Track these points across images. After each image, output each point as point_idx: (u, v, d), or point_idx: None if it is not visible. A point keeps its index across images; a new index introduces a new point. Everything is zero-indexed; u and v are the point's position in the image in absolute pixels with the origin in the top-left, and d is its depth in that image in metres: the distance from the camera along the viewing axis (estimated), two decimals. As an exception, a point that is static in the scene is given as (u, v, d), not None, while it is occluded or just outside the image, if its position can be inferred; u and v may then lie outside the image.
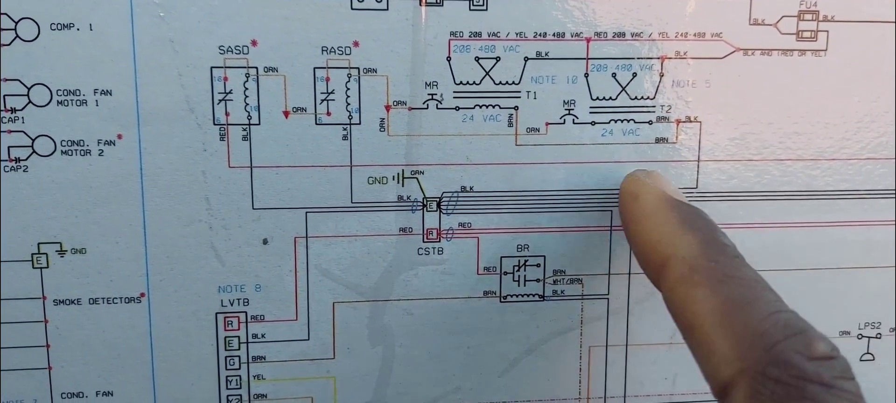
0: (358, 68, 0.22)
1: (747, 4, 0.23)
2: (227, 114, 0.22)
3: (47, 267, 0.22)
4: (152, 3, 0.21)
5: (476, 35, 0.22)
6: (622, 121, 0.23)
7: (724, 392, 0.16)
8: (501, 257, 0.24)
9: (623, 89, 0.23)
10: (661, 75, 0.23)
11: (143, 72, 0.21)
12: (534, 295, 0.24)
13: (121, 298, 0.23)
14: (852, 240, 0.25)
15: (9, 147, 0.21)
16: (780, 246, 0.25)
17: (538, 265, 0.24)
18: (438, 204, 0.23)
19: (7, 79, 0.21)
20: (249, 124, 0.22)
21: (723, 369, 0.16)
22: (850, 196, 0.24)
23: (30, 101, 0.21)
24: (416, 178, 0.23)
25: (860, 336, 0.25)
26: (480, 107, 0.23)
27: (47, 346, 0.23)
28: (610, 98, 0.23)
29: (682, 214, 0.20)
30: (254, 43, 0.22)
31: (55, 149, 0.22)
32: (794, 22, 0.23)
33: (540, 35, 0.22)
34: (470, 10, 0.22)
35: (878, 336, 0.26)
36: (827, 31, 0.23)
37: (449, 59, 0.22)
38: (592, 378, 0.25)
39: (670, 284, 0.18)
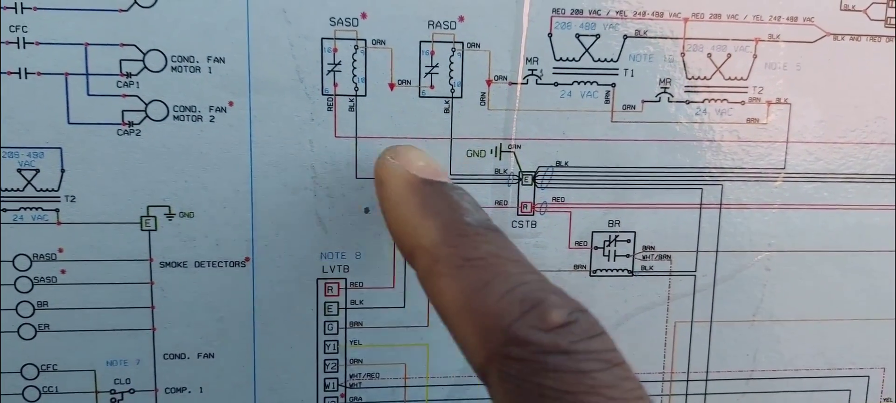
0: (462, 42, 0.23)
1: (839, -10, 0.24)
2: (335, 84, 0.22)
3: (155, 229, 0.23)
4: (267, -27, 0.22)
5: (577, 12, 0.23)
6: (716, 101, 0.24)
7: (482, 378, 0.16)
8: (593, 232, 0.24)
9: (717, 69, 0.24)
10: (755, 57, 0.24)
11: (256, 42, 0.22)
12: (623, 271, 0.25)
13: (226, 262, 0.23)
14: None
15: (122, 110, 0.22)
16: (861, 227, 0.25)
17: (628, 240, 0.24)
18: (534, 178, 0.24)
19: (124, 45, 0.22)
20: (356, 95, 0.23)
21: (474, 357, 0.16)
22: (932, 180, 0.25)
23: (145, 67, 0.22)
24: (513, 152, 0.24)
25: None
26: (579, 83, 0.23)
27: (152, 308, 0.23)
28: (704, 77, 0.24)
29: (423, 198, 0.19)
30: (363, 15, 0.22)
31: (168, 114, 0.22)
32: (882, 8, 0.24)
33: (639, 14, 0.23)
34: (572, -12, 0.23)
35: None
36: (915, 19, 0.24)
37: (550, 35, 0.23)
38: (677, 354, 0.25)
39: (420, 276, 0.18)
